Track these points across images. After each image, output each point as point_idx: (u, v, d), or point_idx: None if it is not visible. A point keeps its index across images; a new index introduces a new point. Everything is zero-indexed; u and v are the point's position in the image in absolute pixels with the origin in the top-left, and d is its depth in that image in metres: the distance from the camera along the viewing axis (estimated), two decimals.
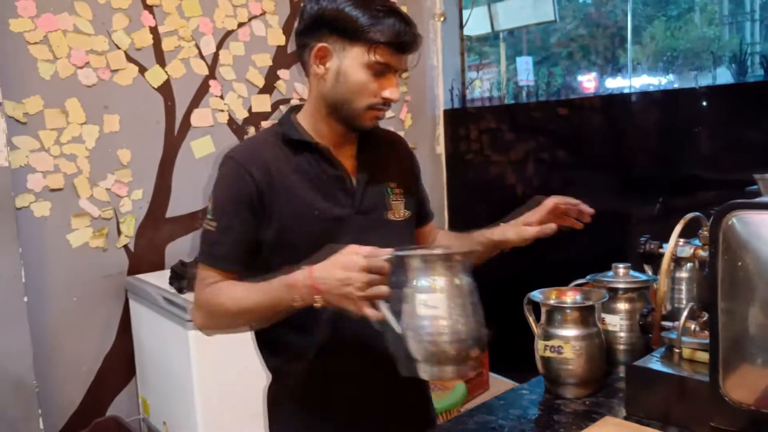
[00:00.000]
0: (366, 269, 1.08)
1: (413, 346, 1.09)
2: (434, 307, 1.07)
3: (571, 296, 1.37)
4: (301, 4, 1.32)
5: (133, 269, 2.58)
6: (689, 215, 1.15)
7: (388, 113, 3.25)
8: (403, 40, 1.24)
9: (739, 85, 2.63)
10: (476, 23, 3.96)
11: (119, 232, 2.55)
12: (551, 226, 1.40)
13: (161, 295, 2.28)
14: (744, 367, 1.06)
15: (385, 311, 1.11)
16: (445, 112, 3.52)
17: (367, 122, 1.29)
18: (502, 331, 1.51)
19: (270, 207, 1.27)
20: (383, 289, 1.09)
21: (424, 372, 1.10)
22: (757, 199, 1.10)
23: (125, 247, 2.57)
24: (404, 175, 1.45)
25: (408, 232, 1.44)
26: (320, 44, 1.25)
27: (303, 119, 1.35)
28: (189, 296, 2.20)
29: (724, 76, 2.84)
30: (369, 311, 1.10)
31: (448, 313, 1.07)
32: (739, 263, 1.03)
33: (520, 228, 1.41)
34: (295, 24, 1.35)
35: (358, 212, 1.34)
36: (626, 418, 1.21)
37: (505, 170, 3.32)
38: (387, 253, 1.10)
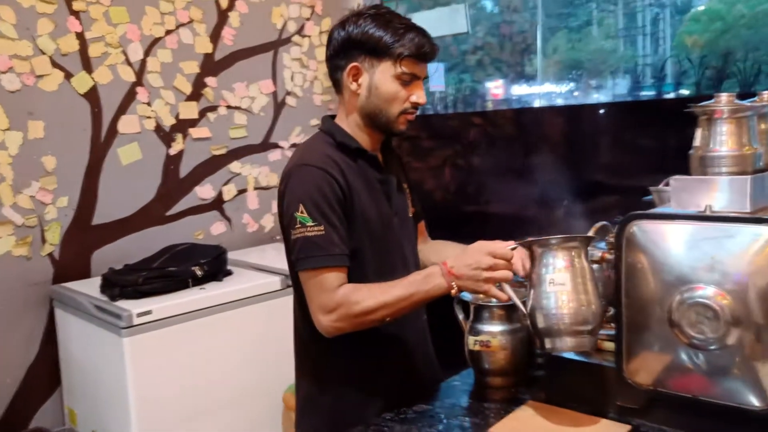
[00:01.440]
0: (491, 254, 1.25)
1: (539, 321, 1.24)
2: (561, 284, 1.23)
3: None
4: (330, 32, 1.45)
5: (58, 278, 2.55)
6: (599, 224, 1.33)
7: (313, 121, 3.35)
8: (425, 51, 1.39)
9: (635, 102, 2.91)
10: None
11: (44, 240, 2.51)
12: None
13: (92, 303, 2.27)
14: (643, 354, 1.24)
15: (510, 293, 1.29)
16: None
17: (400, 126, 1.43)
18: (434, 330, 1.65)
19: (350, 208, 1.39)
20: (508, 273, 1.27)
21: (548, 344, 1.25)
22: (654, 210, 1.30)
23: (50, 255, 2.53)
24: (405, 174, 1.62)
25: (416, 227, 1.63)
26: (352, 64, 1.40)
27: (345, 129, 1.47)
28: (122, 303, 2.21)
29: (620, 85, 3.14)
30: (495, 292, 1.28)
31: (573, 288, 1.22)
32: (639, 265, 1.21)
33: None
34: (325, 50, 1.48)
35: (396, 213, 1.49)
36: (546, 402, 1.38)
37: (424, 176, 3.49)
38: (510, 243, 1.29)
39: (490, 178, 3.22)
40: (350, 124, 1.47)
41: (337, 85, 1.47)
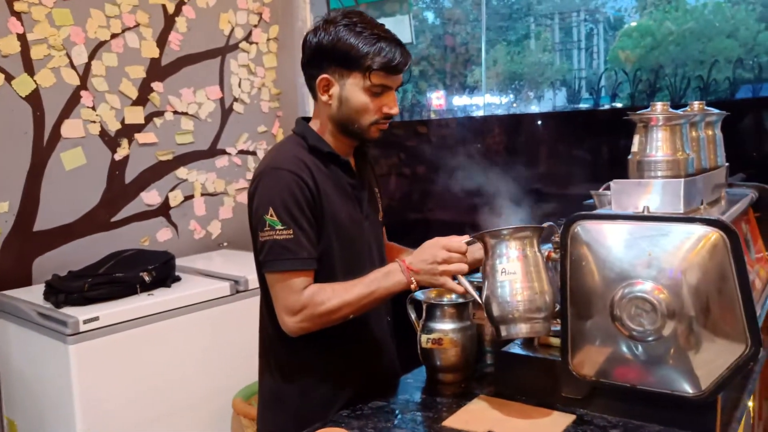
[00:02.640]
0: (446, 248, 1.30)
1: (494, 310, 1.28)
2: (512, 272, 1.28)
3: (447, 295, 1.58)
4: (303, 38, 1.45)
5: None
6: (545, 224, 1.40)
7: (261, 128, 3.36)
8: (395, 64, 1.39)
9: (571, 112, 3.04)
10: None
11: None
12: None
13: (35, 310, 2.21)
14: (587, 347, 1.32)
15: (465, 284, 1.33)
16: None
17: (373, 135, 1.45)
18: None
19: (319, 211, 1.40)
20: (462, 266, 1.32)
21: (503, 332, 1.30)
22: (595, 211, 1.38)
23: None
24: (376, 179, 1.65)
25: (382, 230, 1.66)
26: (322, 75, 1.41)
27: (319, 132, 1.48)
28: (68, 310, 2.16)
29: (559, 97, 3.27)
30: (452, 285, 1.32)
31: (525, 277, 1.28)
32: (583, 262, 1.29)
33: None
34: (301, 57, 1.48)
35: (366, 217, 1.51)
36: (496, 396, 1.44)
37: None
38: (465, 237, 1.34)
39: (435, 186, 3.29)
40: (323, 129, 1.49)
41: (313, 92, 1.48)
